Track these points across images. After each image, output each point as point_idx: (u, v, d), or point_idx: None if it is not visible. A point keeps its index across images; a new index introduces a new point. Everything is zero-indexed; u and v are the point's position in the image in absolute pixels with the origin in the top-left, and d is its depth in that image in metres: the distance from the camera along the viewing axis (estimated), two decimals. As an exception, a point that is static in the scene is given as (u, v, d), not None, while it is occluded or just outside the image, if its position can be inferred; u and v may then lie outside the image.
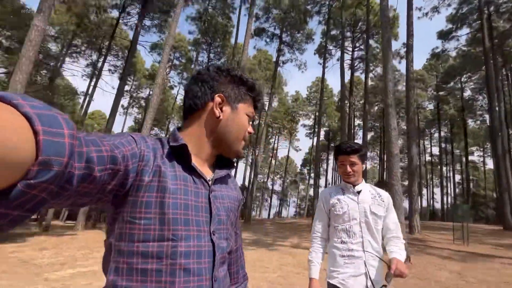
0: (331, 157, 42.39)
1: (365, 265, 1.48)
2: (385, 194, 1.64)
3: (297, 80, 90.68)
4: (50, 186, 0.30)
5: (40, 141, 0.28)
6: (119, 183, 0.51)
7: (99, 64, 22.55)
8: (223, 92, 0.69)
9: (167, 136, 0.69)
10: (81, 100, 22.54)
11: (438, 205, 39.90)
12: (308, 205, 37.86)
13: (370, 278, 1.45)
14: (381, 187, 1.88)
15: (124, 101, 27.61)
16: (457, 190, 37.27)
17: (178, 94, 33.63)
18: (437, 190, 42.05)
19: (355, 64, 25.04)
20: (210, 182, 0.66)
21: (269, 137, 38.20)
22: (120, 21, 19.19)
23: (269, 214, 39.72)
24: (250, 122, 0.74)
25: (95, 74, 23.07)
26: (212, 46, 25.54)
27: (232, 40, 25.77)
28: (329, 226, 1.65)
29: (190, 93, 0.70)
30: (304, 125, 40.92)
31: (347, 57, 22.26)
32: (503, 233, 11.85)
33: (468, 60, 25.70)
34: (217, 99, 0.68)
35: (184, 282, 0.53)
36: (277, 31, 22.89)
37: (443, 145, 35.57)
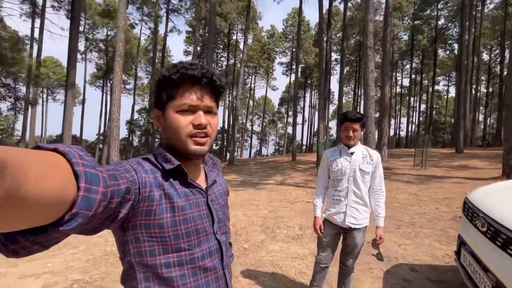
0: (308, 95, 42.80)
1: (346, 207, 1.97)
2: (375, 154, 2.03)
3: (272, 13, 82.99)
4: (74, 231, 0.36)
5: (79, 197, 0.33)
6: (126, 208, 0.56)
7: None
8: (156, 104, 0.70)
9: (155, 154, 0.68)
10: (28, 47, 19.58)
11: (403, 133, 43.92)
12: (287, 142, 39.75)
13: (346, 215, 1.96)
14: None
15: (80, 45, 24.36)
16: (421, 118, 40.56)
17: (142, 34, 30.16)
18: (403, 119, 45.58)
19: (334, -8, 23.11)
20: (206, 187, 0.73)
21: (246, 77, 36.98)
22: None
23: (250, 154, 41.41)
24: (199, 112, 0.65)
25: (36, 13, 19.54)
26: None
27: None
28: (329, 178, 2.12)
29: None
30: (281, 63, 39.70)
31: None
32: (455, 155, 13.67)
33: (447, -16, 24.64)
34: (154, 113, 0.71)
35: (205, 277, 0.66)
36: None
37: (413, 76, 36.85)
